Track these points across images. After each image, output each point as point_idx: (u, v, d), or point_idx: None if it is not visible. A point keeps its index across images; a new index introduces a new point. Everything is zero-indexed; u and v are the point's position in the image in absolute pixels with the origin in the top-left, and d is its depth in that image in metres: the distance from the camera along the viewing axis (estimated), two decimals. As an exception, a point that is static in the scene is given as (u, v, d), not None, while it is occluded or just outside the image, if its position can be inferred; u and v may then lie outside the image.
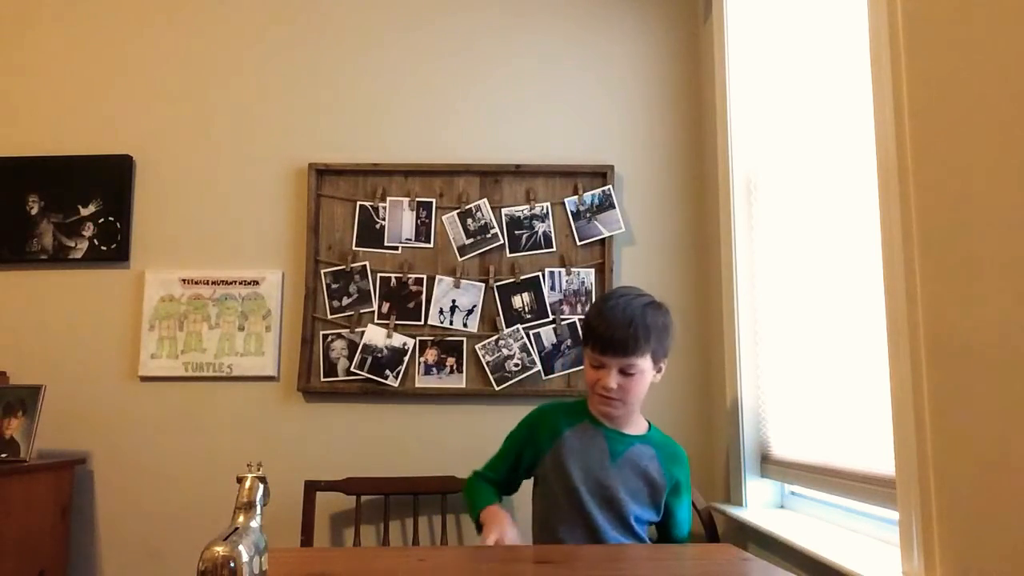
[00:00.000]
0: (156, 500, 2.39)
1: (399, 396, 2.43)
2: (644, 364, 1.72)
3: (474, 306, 2.45)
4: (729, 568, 1.34)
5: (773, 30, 2.17)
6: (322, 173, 2.51)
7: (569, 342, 2.44)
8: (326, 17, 2.62)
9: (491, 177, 2.52)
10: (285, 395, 2.45)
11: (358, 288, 2.46)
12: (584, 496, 1.74)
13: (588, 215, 2.50)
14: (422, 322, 2.45)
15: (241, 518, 0.94)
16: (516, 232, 2.50)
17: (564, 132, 2.57)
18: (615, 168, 2.53)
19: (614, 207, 2.50)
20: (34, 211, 2.51)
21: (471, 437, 2.40)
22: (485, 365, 2.42)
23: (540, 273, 2.47)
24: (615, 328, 1.69)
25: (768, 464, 2.12)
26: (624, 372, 1.71)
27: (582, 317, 2.44)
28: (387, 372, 2.41)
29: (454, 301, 2.45)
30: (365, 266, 2.47)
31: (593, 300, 2.46)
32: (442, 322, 2.44)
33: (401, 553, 1.54)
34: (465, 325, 2.44)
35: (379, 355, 2.42)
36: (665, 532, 1.86)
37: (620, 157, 2.55)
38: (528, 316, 2.45)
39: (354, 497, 2.29)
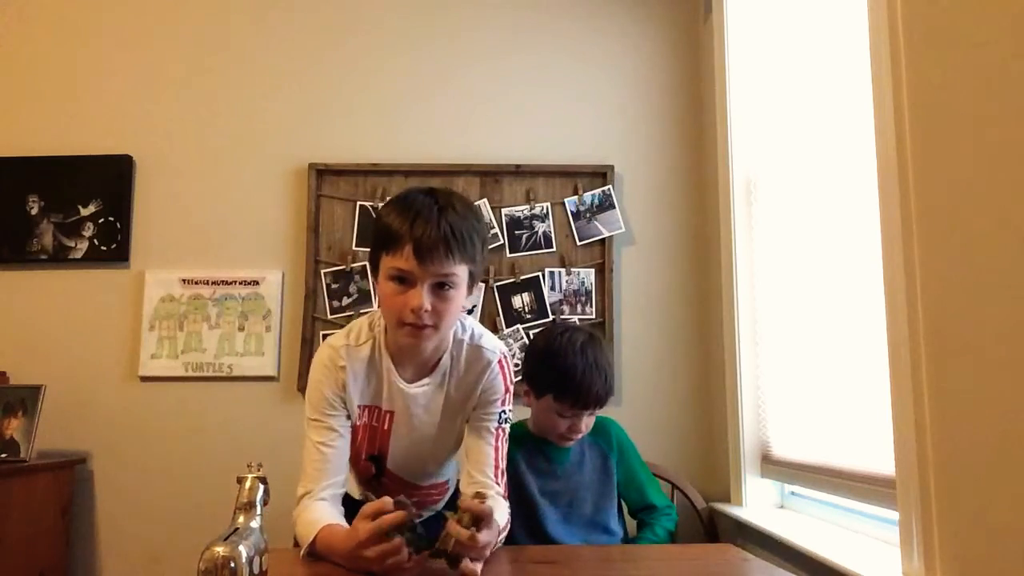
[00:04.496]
0: (156, 500, 2.39)
1: (399, 396, 2.43)
2: None
3: (474, 306, 2.45)
4: (729, 568, 1.34)
5: (773, 30, 2.17)
6: (322, 173, 2.51)
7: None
8: (326, 18, 2.61)
9: (491, 177, 2.52)
10: (285, 395, 2.45)
11: (358, 288, 2.46)
12: (546, 512, 1.76)
13: (588, 215, 2.50)
14: (422, 322, 2.44)
15: (241, 518, 0.94)
16: (516, 232, 2.49)
17: (564, 132, 2.56)
18: (615, 168, 2.53)
19: (614, 207, 2.49)
20: (34, 211, 2.51)
21: (471, 437, 2.40)
22: (485, 365, 2.41)
23: (540, 273, 2.47)
24: (596, 385, 1.70)
25: (768, 464, 2.12)
26: (591, 414, 1.76)
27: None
28: (387, 372, 2.41)
29: (454, 301, 2.45)
30: (365, 266, 2.46)
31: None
32: (442, 322, 2.44)
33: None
34: (465, 325, 2.44)
35: (379, 355, 2.42)
36: (636, 501, 1.87)
37: (620, 157, 2.55)
38: (528, 316, 2.45)
39: (354, 497, 2.29)
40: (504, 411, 1.48)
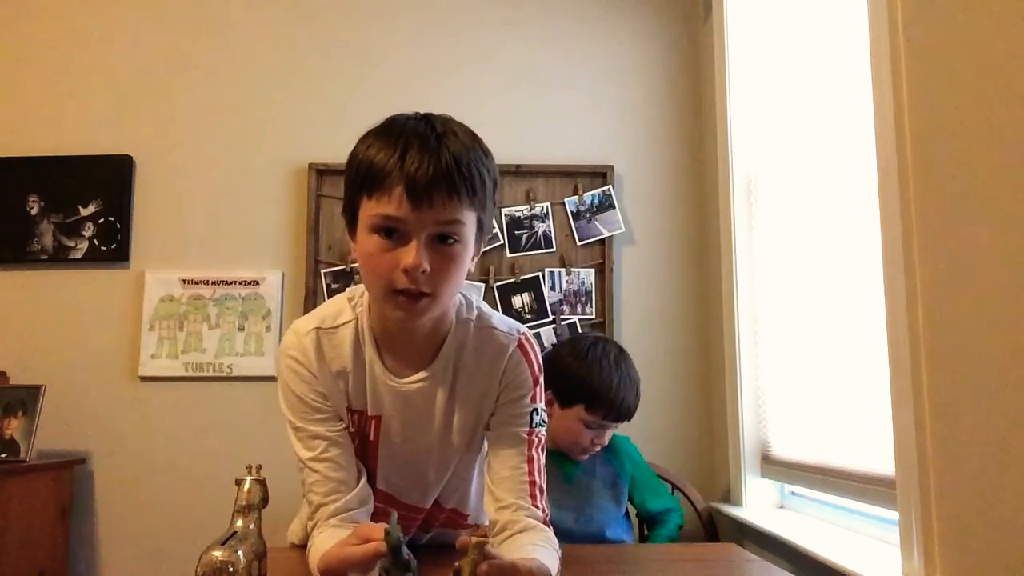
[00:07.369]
0: (156, 500, 2.39)
1: (399, 396, 2.43)
2: None
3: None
4: (732, 569, 1.34)
5: (773, 30, 2.17)
6: (322, 173, 2.51)
7: (569, 342, 2.44)
8: (325, 17, 2.61)
9: (491, 177, 2.52)
10: (285, 395, 2.45)
11: (358, 288, 2.46)
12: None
13: (588, 215, 2.49)
14: (422, 322, 2.44)
15: (240, 522, 0.93)
16: (516, 232, 2.49)
17: (564, 132, 2.56)
18: (615, 168, 2.53)
19: (614, 207, 2.49)
20: (34, 211, 2.51)
21: (471, 437, 2.40)
22: (485, 365, 2.41)
23: (540, 273, 2.47)
24: (629, 398, 1.71)
25: (768, 464, 2.12)
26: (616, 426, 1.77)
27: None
28: (387, 372, 2.41)
29: (454, 301, 2.44)
30: (365, 266, 2.46)
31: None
32: (442, 322, 2.44)
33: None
34: (465, 325, 2.44)
35: (379, 355, 2.41)
36: (651, 511, 1.92)
37: (620, 157, 2.55)
38: (528, 316, 2.44)
39: (354, 497, 2.29)
40: (536, 408, 1.13)
